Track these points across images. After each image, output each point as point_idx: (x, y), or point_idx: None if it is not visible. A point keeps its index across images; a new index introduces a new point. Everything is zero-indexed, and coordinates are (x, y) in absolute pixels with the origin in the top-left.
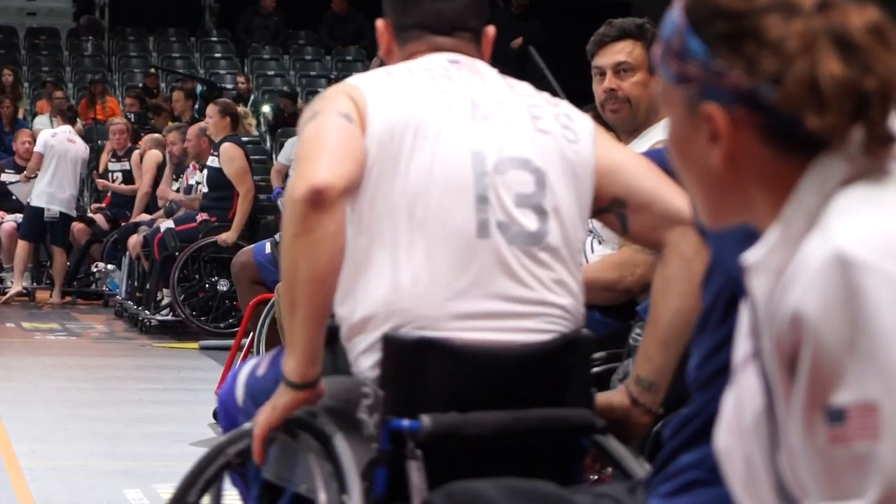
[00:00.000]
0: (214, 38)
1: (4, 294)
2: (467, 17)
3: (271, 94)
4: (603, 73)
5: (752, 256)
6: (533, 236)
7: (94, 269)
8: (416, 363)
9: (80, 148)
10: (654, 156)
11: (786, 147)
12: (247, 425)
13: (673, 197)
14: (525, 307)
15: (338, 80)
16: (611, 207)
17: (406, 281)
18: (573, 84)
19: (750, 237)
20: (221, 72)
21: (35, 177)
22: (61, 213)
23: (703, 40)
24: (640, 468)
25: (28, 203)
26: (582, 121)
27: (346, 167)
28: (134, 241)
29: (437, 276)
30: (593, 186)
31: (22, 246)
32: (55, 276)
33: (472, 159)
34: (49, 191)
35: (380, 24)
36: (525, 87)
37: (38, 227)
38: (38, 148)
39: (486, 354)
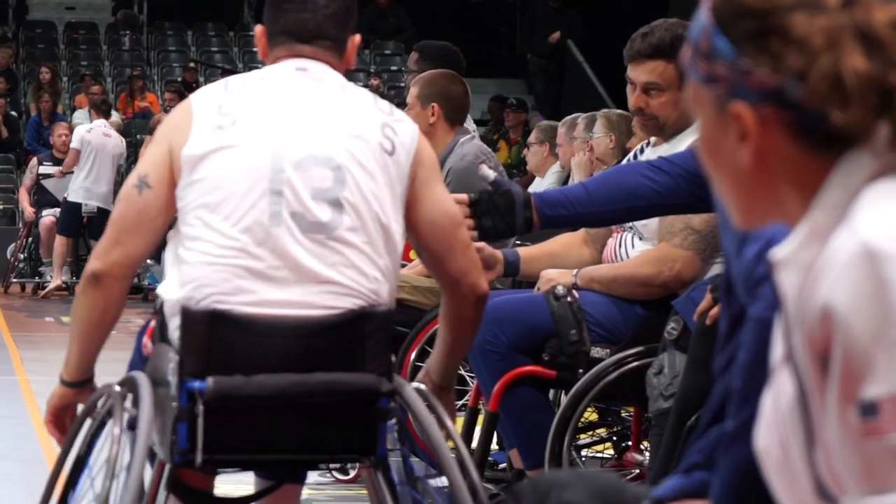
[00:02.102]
0: (252, 33)
1: (44, 288)
2: (328, 27)
3: None
4: (634, 85)
5: (780, 252)
6: (325, 226)
7: None
8: (208, 331)
9: (117, 142)
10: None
11: (814, 144)
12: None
13: (461, 264)
14: (311, 286)
15: (376, 73)
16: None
17: (206, 262)
18: (611, 76)
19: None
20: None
21: (71, 172)
22: (99, 207)
23: (730, 39)
24: (431, 423)
25: (65, 198)
26: (405, 135)
27: (129, 251)
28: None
29: (230, 258)
30: (405, 194)
31: (60, 241)
32: None
33: (271, 157)
34: (86, 186)
35: (258, 29)
36: (362, 98)
37: (76, 223)
38: (74, 143)
39: (271, 325)
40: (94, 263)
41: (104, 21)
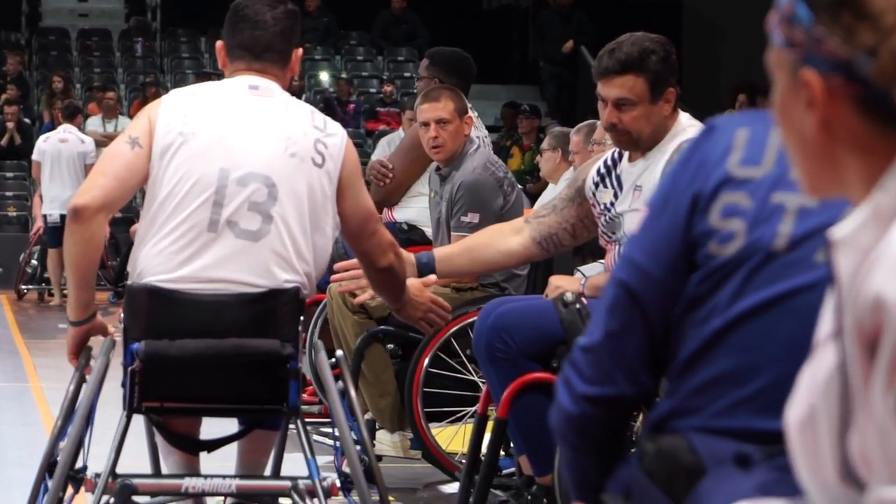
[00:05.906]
0: None
1: (52, 295)
2: (277, 42)
3: (322, 94)
4: (605, 102)
5: (839, 232)
6: (253, 234)
7: None
8: (146, 304)
9: (76, 143)
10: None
11: (881, 121)
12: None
13: (366, 246)
14: (233, 275)
15: (389, 80)
16: None
17: (154, 249)
18: None
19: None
20: None
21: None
22: (62, 215)
23: (810, 7)
24: (331, 386)
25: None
26: (334, 147)
27: (107, 191)
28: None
29: (170, 250)
30: (334, 200)
31: (51, 256)
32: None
33: (219, 174)
34: (52, 195)
35: (218, 44)
36: (301, 117)
37: (59, 233)
38: (34, 156)
39: (199, 300)
40: (74, 201)
41: (117, 28)
